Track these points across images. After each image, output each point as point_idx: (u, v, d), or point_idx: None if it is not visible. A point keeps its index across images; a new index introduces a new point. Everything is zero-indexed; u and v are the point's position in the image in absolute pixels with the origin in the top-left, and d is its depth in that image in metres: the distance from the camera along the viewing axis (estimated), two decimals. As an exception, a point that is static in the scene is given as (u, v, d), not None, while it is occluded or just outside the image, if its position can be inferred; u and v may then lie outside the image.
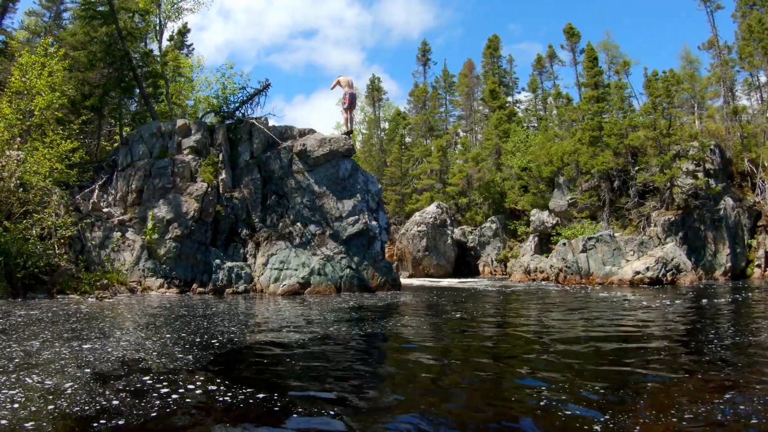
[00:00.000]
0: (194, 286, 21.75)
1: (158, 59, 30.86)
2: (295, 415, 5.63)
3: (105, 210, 22.90)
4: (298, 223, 23.76)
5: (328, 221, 24.08)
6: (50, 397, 5.81)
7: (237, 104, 27.21)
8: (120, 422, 5.08)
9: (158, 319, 13.44)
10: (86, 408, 5.45)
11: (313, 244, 23.49)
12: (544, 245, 39.36)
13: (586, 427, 5.09)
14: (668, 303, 17.94)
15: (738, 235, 33.46)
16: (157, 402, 5.77)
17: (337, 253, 23.48)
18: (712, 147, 35.43)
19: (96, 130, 28.77)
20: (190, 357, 8.30)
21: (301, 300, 19.90)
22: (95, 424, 5.00)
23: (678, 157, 34.11)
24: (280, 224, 23.72)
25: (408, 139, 57.28)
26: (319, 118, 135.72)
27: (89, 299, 17.51)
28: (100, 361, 7.78)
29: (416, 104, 61.02)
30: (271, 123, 26.93)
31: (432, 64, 64.35)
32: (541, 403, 5.95)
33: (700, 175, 34.09)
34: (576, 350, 9.60)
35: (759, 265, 32.91)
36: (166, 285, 21.34)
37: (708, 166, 35.01)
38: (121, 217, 22.53)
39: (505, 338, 11.55)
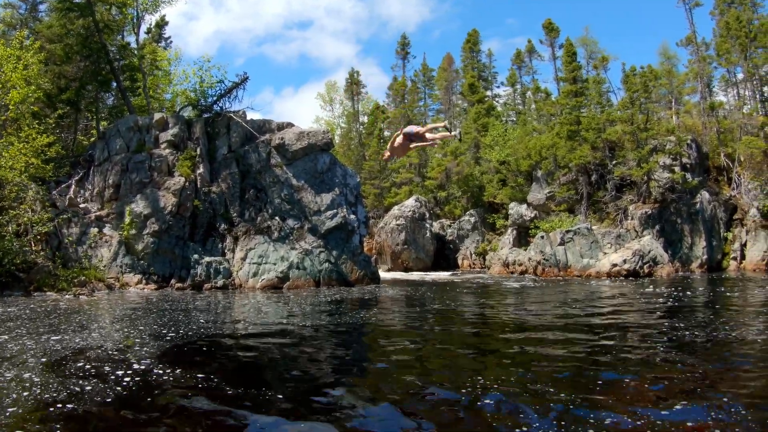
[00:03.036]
0: (172, 281, 21.71)
1: (135, 52, 30.59)
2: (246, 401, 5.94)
3: (82, 206, 22.77)
4: (277, 217, 23.76)
5: (306, 215, 24.11)
6: (27, 384, 6.36)
7: (215, 98, 27.07)
8: (85, 405, 5.67)
9: (136, 312, 13.54)
10: (56, 394, 5.97)
11: (291, 238, 23.52)
12: (523, 238, 39.58)
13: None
14: (643, 295, 18.26)
15: (714, 228, 33.89)
16: (117, 388, 6.34)
17: (315, 247, 23.53)
18: (688, 142, 35.82)
19: (72, 125, 28.52)
20: (155, 348, 8.74)
21: (280, 294, 19.96)
22: (67, 407, 5.54)
23: (655, 152, 34.44)
24: (259, 218, 23.71)
25: (387, 133, 57.13)
26: (310, 110, 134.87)
27: (66, 296, 17.42)
28: (70, 353, 8.13)
29: (395, 98, 60.95)
30: (249, 116, 26.89)
31: (411, 58, 64.40)
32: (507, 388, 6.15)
33: (676, 169, 34.47)
34: (545, 340, 9.80)
35: (735, 258, 33.36)
36: (144, 281, 21.27)
37: (685, 160, 35.41)
38: (98, 213, 22.42)
39: (480, 328, 11.71)
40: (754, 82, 40.07)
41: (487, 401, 5.76)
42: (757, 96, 40.13)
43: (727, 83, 46.18)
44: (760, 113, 37.74)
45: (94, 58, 26.47)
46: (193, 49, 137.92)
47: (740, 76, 42.97)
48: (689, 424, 4.80)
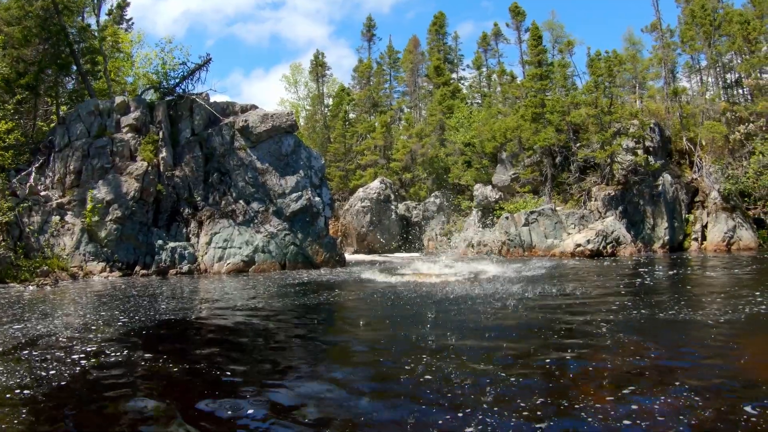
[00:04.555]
0: (137, 268, 21.60)
1: (96, 34, 30.02)
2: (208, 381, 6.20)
3: (43, 193, 22.44)
4: (241, 201, 23.72)
5: (271, 198, 24.11)
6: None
7: (177, 80, 26.74)
8: (49, 389, 5.93)
9: (101, 299, 13.59)
10: (20, 380, 6.22)
11: (256, 221, 23.52)
12: (488, 219, 39.97)
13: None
14: (604, 275, 18.67)
15: (676, 210, 34.59)
16: (77, 369, 6.70)
17: (281, 230, 23.57)
18: (651, 125, 36.47)
19: (32, 110, 27.91)
20: (116, 333, 9.03)
21: (246, 278, 20.00)
22: (29, 392, 5.79)
23: (618, 135, 35.01)
24: (223, 202, 23.65)
25: (352, 115, 57.00)
26: (279, 93, 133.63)
27: (30, 287, 17.19)
28: (33, 341, 8.37)
29: (360, 80, 60.82)
30: (213, 99, 26.66)
31: (377, 40, 64.18)
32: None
33: (639, 152, 35.08)
34: (507, 322, 10.03)
35: (696, 239, 34.16)
36: (108, 269, 21.10)
37: (648, 143, 36.07)
38: (59, 200, 22.13)
39: (441, 307, 11.90)
40: (717, 69, 41.11)
41: (438, 383, 5.94)
42: (720, 82, 41.20)
43: (691, 69, 47.19)
44: (722, 99, 38.58)
45: (54, 40, 25.91)
46: (162, 30, 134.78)
47: (704, 62, 43.98)
48: (634, 407, 4.97)
